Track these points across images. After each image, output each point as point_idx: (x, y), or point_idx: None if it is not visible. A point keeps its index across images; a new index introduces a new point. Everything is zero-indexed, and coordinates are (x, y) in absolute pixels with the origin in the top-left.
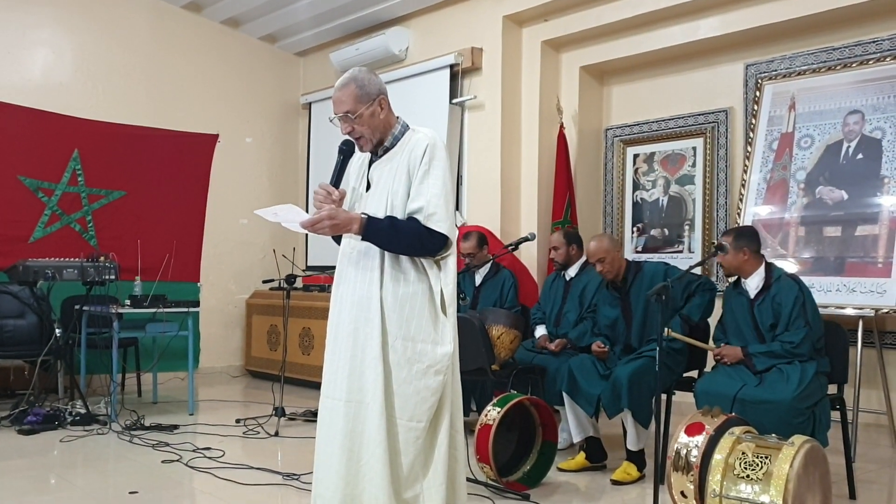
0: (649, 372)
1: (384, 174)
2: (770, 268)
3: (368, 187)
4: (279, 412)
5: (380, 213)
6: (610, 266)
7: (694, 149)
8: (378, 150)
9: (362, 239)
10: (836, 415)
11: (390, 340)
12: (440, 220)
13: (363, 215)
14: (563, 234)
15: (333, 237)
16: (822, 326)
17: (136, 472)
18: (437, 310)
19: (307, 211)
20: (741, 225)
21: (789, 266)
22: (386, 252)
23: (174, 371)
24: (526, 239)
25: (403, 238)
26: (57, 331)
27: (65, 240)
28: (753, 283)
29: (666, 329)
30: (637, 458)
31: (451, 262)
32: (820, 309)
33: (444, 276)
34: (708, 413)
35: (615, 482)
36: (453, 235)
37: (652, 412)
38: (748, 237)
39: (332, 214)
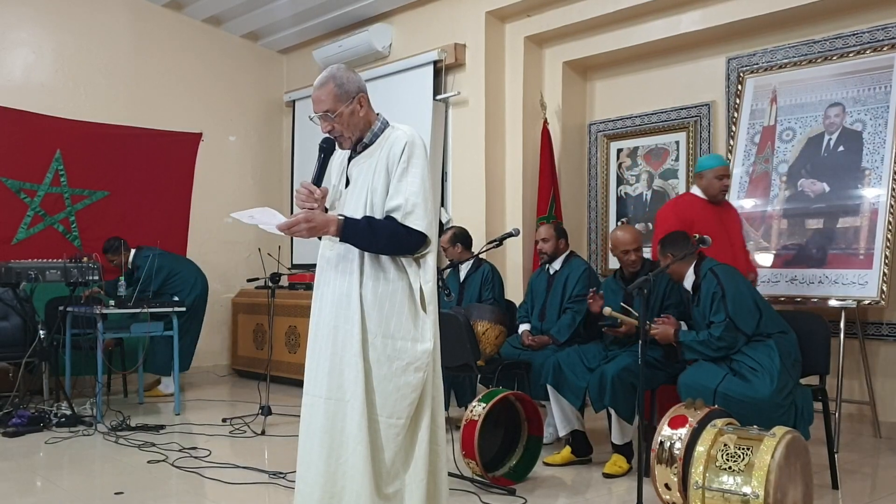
0: (635, 369)
1: (363, 171)
2: (699, 267)
3: (348, 184)
4: (265, 411)
5: (359, 211)
6: (640, 256)
7: (677, 143)
8: (357, 147)
9: (340, 240)
10: (818, 405)
11: (370, 338)
12: (418, 218)
13: (340, 217)
14: (553, 226)
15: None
16: (756, 312)
17: (122, 473)
18: (416, 307)
19: (290, 210)
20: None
21: (771, 259)
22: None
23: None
24: (510, 234)
25: (381, 238)
26: (41, 332)
27: (48, 241)
28: (688, 285)
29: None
30: (625, 450)
31: (430, 259)
32: (803, 301)
33: (424, 274)
34: (691, 406)
35: (607, 475)
36: (432, 233)
37: (635, 408)
38: (671, 243)
39: (308, 217)
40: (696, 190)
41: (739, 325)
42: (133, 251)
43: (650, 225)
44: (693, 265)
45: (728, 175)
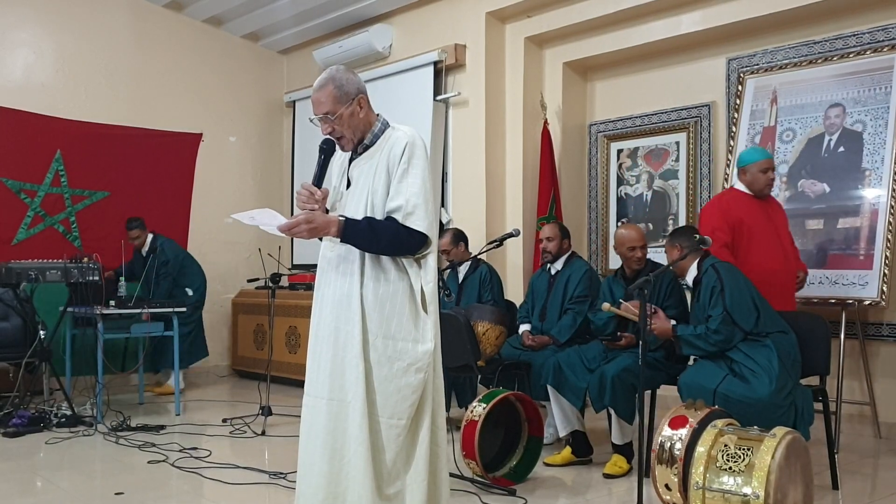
0: (635, 370)
1: (364, 172)
2: (702, 262)
3: (349, 185)
4: (266, 411)
5: (360, 212)
6: (645, 254)
7: (677, 143)
8: (358, 148)
9: (341, 241)
10: (818, 405)
11: (371, 339)
12: (419, 219)
13: (341, 218)
14: (557, 226)
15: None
16: (754, 310)
17: (122, 473)
18: (417, 308)
19: (291, 211)
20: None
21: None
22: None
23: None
24: (510, 235)
25: (382, 239)
26: (41, 332)
27: (48, 241)
28: (689, 280)
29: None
30: (625, 450)
31: (431, 260)
32: (803, 301)
33: (425, 274)
34: (691, 406)
35: (607, 475)
36: (433, 234)
37: (635, 408)
38: (680, 235)
39: (309, 218)
40: (739, 185)
41: (736, 320)
42: (150, 235)
43: (650, 225)
44: (697, 261)
45: (773, 167)
